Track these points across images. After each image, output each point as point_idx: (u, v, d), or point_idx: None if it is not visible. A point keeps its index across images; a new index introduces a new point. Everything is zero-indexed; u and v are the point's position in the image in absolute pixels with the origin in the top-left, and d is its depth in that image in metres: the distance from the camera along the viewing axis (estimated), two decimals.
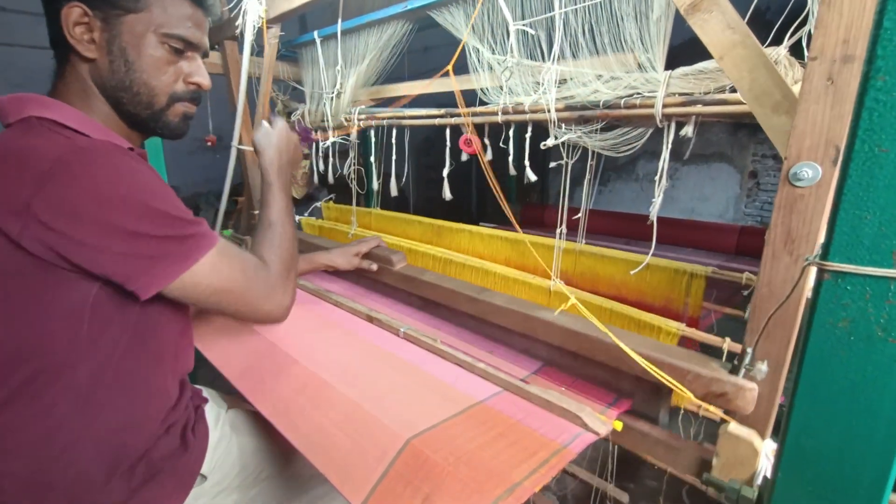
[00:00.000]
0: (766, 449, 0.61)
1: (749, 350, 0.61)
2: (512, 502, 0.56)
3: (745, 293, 1.13)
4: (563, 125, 0.90)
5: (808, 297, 0.55)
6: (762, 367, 0.61)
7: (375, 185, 1.52)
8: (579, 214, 1.00)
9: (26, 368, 0.60)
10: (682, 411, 0.88)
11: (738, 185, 4.05)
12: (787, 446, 0.50)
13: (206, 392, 0.90)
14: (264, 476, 0.89)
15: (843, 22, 0.49)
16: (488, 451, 0.64)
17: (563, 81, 0.91)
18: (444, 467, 0.61)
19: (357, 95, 1.37)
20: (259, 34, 1.30)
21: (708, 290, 1.04)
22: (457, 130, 1.11)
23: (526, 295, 1.06)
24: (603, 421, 0.70)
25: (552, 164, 0.95)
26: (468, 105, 1.05)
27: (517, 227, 1.01)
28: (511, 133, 0.99)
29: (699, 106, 0.73)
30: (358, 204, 1.53)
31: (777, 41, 0.67)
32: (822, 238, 0.52)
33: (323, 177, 1.53)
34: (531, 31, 0.91)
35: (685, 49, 0.80)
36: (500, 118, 0.99)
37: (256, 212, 1.31)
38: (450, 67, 1.03)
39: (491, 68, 1.01)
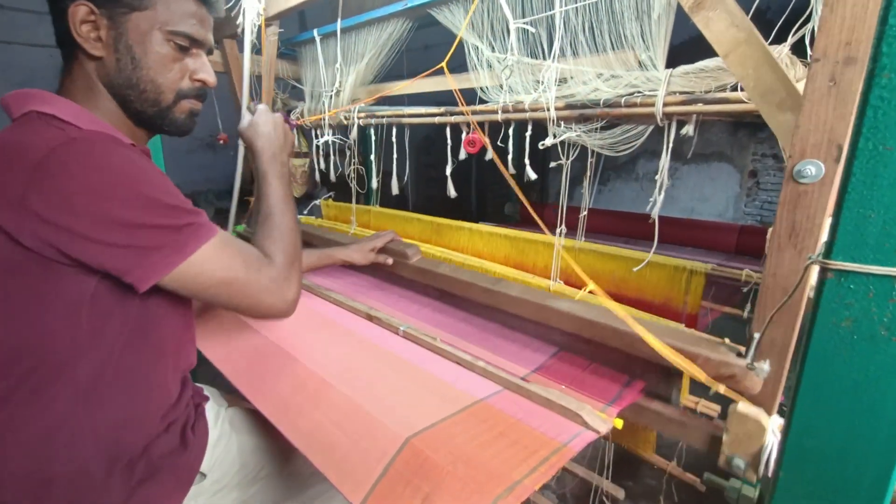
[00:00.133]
0: (773, 425, 0.63)
1: (756, 336, 0.63)
2: (512, 501, 0.56)
3: (745, 290, 1.13)
4: (563, 124, 0.90)
5: (809, 296, 0.55)
6: (764, 366, 0.61)
7: (375, 183, 1.51)
8: (583, 213, 1.00)
9: (26, 365, 0.60)
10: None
11: (738, 185, 4.05)
12: (789, 446, 0.50)
13: (206, 390, 0.89)
14: (264, 474, 0.89)
15: (846, 25, 0.49)
16: (488, 450, 0.64)
17: (563, 80, 0.91)
18: (443, 466, 0.61)
19: (356, 94, 1.37)
20: (258, 32, 1.30)
21: (707, 289, 1.04)
22: (457, 129, 1.11)
23: None
24: (603, 419, 0.70)
25: (552, 164, 0.95)
26: (468, 104, 1.05)
27: (544, 227, 0.96)
28: (511, 132, 0.99)
29: (700, 105, 0.73)
30: (357, 203, 1.52)
31: (778, 40, 0.67)
32: (825, 235, 0.52)
33: (324, 175, 1.53)
34: (531, 29, 0.91)
35: (686, 48, 0.80)
36: (499, 116, 0.99)
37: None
38: (444, 64, 1.02)
39: (491, 66, 1.01)
